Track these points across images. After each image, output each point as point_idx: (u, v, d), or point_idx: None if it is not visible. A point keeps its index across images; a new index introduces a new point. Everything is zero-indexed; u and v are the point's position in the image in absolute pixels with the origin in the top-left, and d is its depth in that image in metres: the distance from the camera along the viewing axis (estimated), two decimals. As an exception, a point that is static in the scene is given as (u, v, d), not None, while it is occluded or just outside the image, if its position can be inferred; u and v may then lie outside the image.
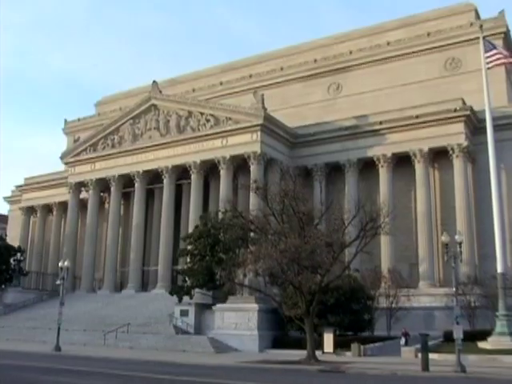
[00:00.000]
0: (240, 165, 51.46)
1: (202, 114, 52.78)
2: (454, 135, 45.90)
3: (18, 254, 59.65)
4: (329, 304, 34.81)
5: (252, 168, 49.03)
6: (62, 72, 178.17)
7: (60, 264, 40.70)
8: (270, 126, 50.12)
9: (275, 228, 30.83)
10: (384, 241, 45.49)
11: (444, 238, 28.18)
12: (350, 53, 61.62)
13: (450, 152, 46.24)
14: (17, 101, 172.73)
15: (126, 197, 61.69)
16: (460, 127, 45.82)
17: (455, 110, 45.78)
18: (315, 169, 52.48)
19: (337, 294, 35.19)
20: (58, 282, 40.12)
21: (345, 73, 61.67)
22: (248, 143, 49.38)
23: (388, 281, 39.09)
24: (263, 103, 49.20)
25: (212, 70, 73.45)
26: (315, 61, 63.54)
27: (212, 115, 52.03)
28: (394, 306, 37.68)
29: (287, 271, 29.26)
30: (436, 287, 43.59)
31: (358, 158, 50.54)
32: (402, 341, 32.89)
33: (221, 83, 69.48)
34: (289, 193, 30.58)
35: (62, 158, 63.21)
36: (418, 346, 26.88)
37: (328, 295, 34.29)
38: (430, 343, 26.91)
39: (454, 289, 26.01)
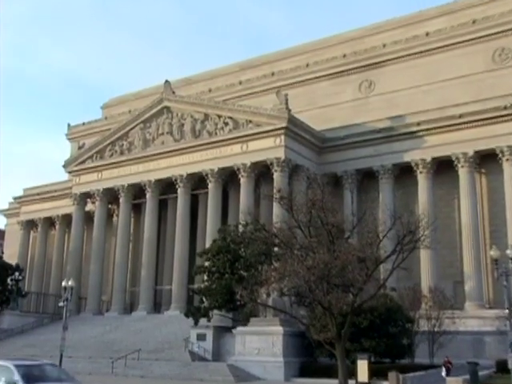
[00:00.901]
0: (262, 172, 52.08)
1: (219, 116, 53.75)
2: (504, 136, 45.59)
3: (16, 274, 58.67)
4: (362, 327, 34.81)
5: (275, 176, 49.59)
6: (64, 71, 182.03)
7: (63, 284, 40.76)
8: (295, 130, 50.69)
9: (302, 242, 31.00)
10: (424, 256, 45.37)
11: (493, 253, 28.01)
12: (384, 46, 61.66)
13: (500, 155, 45.98)
14: (15, 102, 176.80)
15: (137, 209, 62.86)
16: (510, 127, 45.52)
17: (505, 108, 45.50)
18: (345, 176, 52.75)
19: (371, 316, 35.15)
20: (61, 304, 40.05)
21: (378, 68, 61.87)
22: (271, 148, 50.04)
23: (429, 301, 38.84)
24: (287, 104, 49.83)
25: (230, 67, 74.57)
26: (344, 56, 63.87)
27: (231, 118, 52.92)
28: (436, 329, 37.37)
29: (315, 290, 29.36)
30: (485, 308, 43.21)
31: (393, 164, 50.65)
32: (444, 372, 32.42)
33: (240, 82, 70.47)
34: (316, 203, 30.69)
35: (65, 166, 64.74)
36: (466, 376, 26.32)
37: (361, 317, 34.31)
38: (480, 374, 26.27)
39: (507, 310, 25.63)
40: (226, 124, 53.09)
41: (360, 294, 30.07)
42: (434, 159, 48.90)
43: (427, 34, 59.36)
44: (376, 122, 52.37)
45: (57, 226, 71.30)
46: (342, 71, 63.71)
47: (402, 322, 37.03)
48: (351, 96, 62.57)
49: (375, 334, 35.34)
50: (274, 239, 32.72)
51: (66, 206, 67.62)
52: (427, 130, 48.95)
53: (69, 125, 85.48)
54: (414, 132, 49.52)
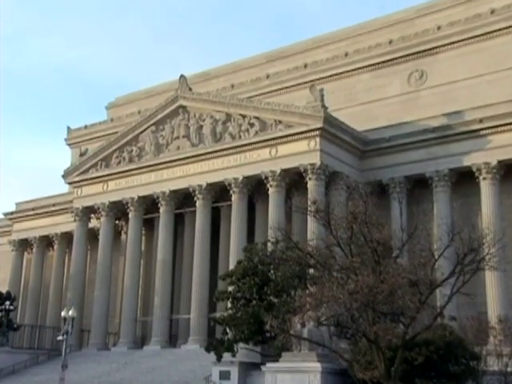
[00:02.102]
0: (294, 181, 52.35)
1: (243, 116, 54.31)
2: None
3: (7, 303, 57.91)
4: (416, 364, 34.26)
5: (309, 185, 49.84)
6: (62, 65, 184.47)
7: (63, 314, 41.02)
8: (332, 131, 50.89)
9: (342, 263, 31.03)
10: (490, 278, 44.84)
11: None
12: (439, 28, 61.14)
13: None
14: (6, 101, 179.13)
15: (149, 225, 63.66)
16: None
17: None
18: (392, 184, 52.64)
19: (427, 351, 34.57)
20: (60, 338, 40.28)
21: (431, 56, 61.58)
22: (304, 153, 50.34)
23: (499, 334, 37.97)
24: (323, 100, 50.05)
25: (256, 59, 75.32)
26: (390, 42, 63.76)
27: (257, 118, 53.43)
28: (510, 369, 36.55)
29: (359, 319, 29.33)
30: None
31: (449, 169, 50.31)
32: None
33: (267, 76, 70.98)
34: (358, 216, 30.69)
35: (64, 176, 65.94)
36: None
37: (415, 352, 33.81)
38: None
39: None
40: (252, 125, 53.61)
41: (413, 324, 29.85)
42: (500, 162, 48.38)
43: (492, 12, 58.21)
44: (429, 120, 52.09)
45: (55, 246, 72.51)
46: (388, 60, 63.66)
47: (466, 360, 36.19)
48: (399, 90, 62.48)
49: (432, 373, 34.69)
50: (308, 259, 32.78)
51: (66, 223, 68.75)
52: (492, 127, 48.47)
53: (68, 128, 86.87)
54: (476, 131, 49.11)
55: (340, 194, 49.67)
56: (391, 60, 63.49)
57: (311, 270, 34.36)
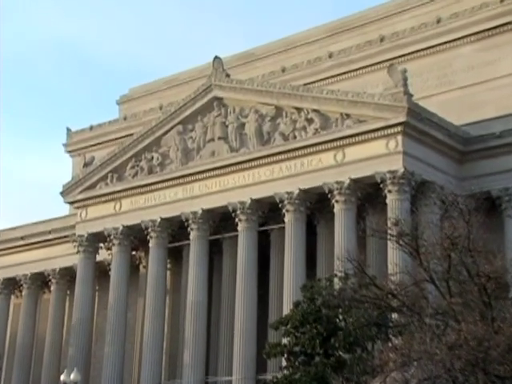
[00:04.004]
0: (368, 195, 52.09)
1: (299, 110, 54.26)
2: None
3: None
4: None
5: (389, 200, 49.46)
6: (59, 44, 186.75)
7: (62, 378, 41.63)
8: (420, 126, 50.40)
9: (437, 305, 30.61)
10: None
11: None
12: None
13: None
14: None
15: (175, 256, 63.87)
16: None
17: None
18: (506, 197, 51.95)
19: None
20: None
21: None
22: (381, 157, 50.04)
23: None
24: (406, 85, 49.76)
25: (314, 33, 75.01)
26: (502, 0, 62.01)
27: (316, 111, 53.26)
28: None
29: (464, 383, 28.79)
30: None
31: None
32: None
33: (330, 55, 70.59)
34: (459, 241, 30.31)
35: (64, 193, 66.52)
36: None
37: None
38: None
39: None
40: (310, 121, 53.49)
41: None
42: None
43: None
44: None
45: (52, 287, 73.08)
46: (499, 26, 61.93)
47: None
48: (513, 67, 61.36)
49: None
50: (390, 300, 32.55)
51: (67, 256, 69.23)
52: None
53: (68, 130, 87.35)
54: None
55: (431, 212, 49.11)
56: (503, 25, 61.71)
57: (395, 315, 33.93)
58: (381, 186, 50.17)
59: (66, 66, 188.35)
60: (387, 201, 49.66)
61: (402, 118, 49.11)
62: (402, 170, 49.09)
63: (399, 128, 49.41)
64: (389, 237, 35.25)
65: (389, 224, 36.06)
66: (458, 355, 27.40)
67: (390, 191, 49.53)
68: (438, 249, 31.15)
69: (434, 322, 30.25)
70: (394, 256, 44.70)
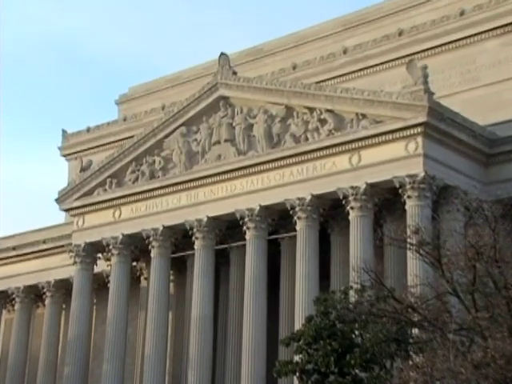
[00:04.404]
0: (386, 201, 52.20)
1: (311, 110, 54.36)
2: None
3: None
4: None
5: (409, 206, 49.45)
6: (55, 40, 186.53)
7: None
8: (442, 126, 50.37)
9: (461, 319, 30.57)
10: None
11: None
12: None
13: None
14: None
15: (179, 267, 64.05)
16: None
17: None
18: (535, 203, 51.63)
19: None
20: None
21: None
22: (400, 160, 50.05)
23: None
24: (427, 83, 49.69)
25: (328, 27, 75.08)
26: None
27: (330, 111, 53.34)
28: None
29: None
30: None
31: None
32: None
33: (344, 51, 70.53)
34: (484, 251, 30.29)
35: (59, 200, 66.81)
36: None
37: None
38: None
39: None
40: (323, 122, 53.57)
41: None
42: None
43: None
44: None
45: (46, 300, 73.19)
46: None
47: None
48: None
49: None
50: (411, 314, 32.48)
51: (62, 267, 69.48)
52: None
53: (64, 132, 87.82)
54: None
55: (454, 219, 48.91)
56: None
57: (415, 331, 33.93)
58: (399, 191, 50.17)
59: (61, 64, 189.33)
60: (406, 207, 49.66)
61: (422, 118, 49.06)
62: (422, 173, 49.04)
63: (419, 129, 49.36)
64: (408, 246, 35.13)
65: (408, 232, 35.94)
66: (484, 374, 27.21)
67: (409, 197, 49.49)
68: (462, 259, 31.07)
69: (458, 338, 30.11)
70: (414, 267, 44.63)
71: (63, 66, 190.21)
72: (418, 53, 63.54)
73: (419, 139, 49.53)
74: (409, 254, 41.40)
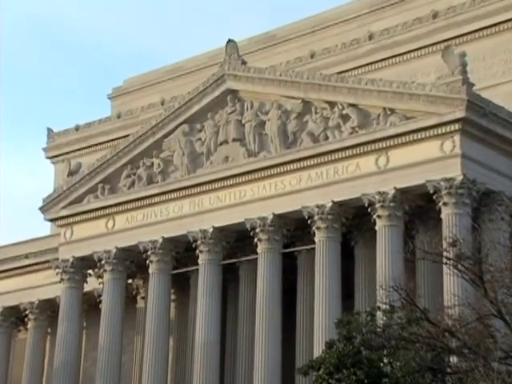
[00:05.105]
0: (418, 209, 52.23)
1: (331, 104, 54.44)
2: None
3: None
4: None
5: (445, 214, 49.42)
6: (39, 24, 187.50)
7: None
8: (483, 123, 50.26)
9: (507, 345, 30.49)
10: None
11: None
12: None
13: None
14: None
15: (181, 284, 64.23)
16: None
17: None
18: None
19: None
20: None
21: None
22: (434, 161, 50.04)
23: None
24: (466, 72, 49.68)
25: (350, 9, 74.94)
26: None
27: (354, 106, 53.45)
28: None
29: None
30: None
31: None
32: None
33: (370, 36, 70.37)
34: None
35: (43, 209, 66.94)
36: None
37: None
38: None
39: None
40: (346, 118, 53.65)
41: None
42: None
43: None
44: None
45: (29, 324, 73.16)
46: None
47: None
48: None
49: None
50: (448, 340, 32.45)
51: (48, 285, 69.78)
52: None
53: (50, 130, 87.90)
54: None
55: (498, 229, 48.74)
56: None
57: (454, 359, 33.86)
58: (434, 197, 50.09)
59: (45, 52, 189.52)
60: (442, 216, 49.60)
61: (460, 113, 48.93)
62: (460, 177, 48.92)
63: (457, 125, 49.26)
64: (444, 260, 35.20)
65: (444, 244, 36.08)
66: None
67: (445, 204, 49.39)
68: (508, 275, 31.07)
69: (503, 367, 30.06)
70: (452, 284, 44.70)
71: (48, 54, 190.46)
72: (455, 38, 63.16)
73: (456, 137, 49.44)
74: (445, 269, 41.60)
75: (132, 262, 63.28)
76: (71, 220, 65.33)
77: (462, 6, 65.77)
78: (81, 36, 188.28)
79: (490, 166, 50.99)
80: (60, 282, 65.56)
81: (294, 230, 56.60)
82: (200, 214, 59.02)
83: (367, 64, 68.49)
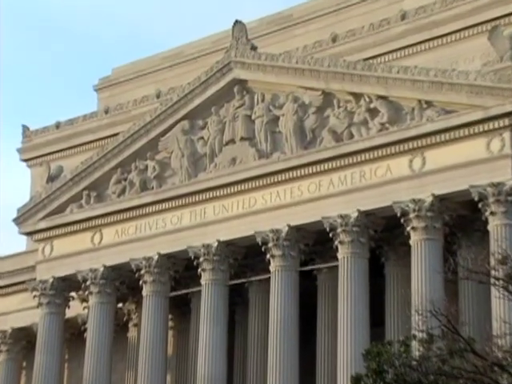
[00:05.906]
0: (459, 219, 52.38)
1: (357, 96, 54.70)
2: None
3: None
4: None
5: (492, 226, 49.51)
6: (22, 9, 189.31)
7: None
8: (536, 118, 50.25)
9: None
10: None
11: None
12: None
13: None
14: None
15: (181, 309, 64.59)
16: None
17: None
18: None
19: None
20: None
21: None
22: (478, 163, 50.22)
23: None
24: (515, 58, 49.81)
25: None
26: None
27: (383, 98, 53.64)
28: None
29: None
30: None
31: None
32: None
33: (402, 16, 69.81)
34: None
35: (18, 221, 67.34)
36: None
37: None
38: None
39: None
40: (374, 113, 53.93)
41: None
42: None
43: None
44: None
45: (1, 356, 73.32)
46: None
47: None
48: None
49: None
50: (498, 375, 32.37)
51: (23, 310, 69.97)
52: None
53: (25, 128, 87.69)
54: None
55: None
56: None
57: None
58: (479, 205, 50.11)
59: (21, 36, 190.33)
60: (489, 228, 49.58)
61: (510, 107, 49.01)
62: (510, 181, 48.92)
63: (506, 120, 49.30)
64: (492, 281, 35.07)
65: (492, 262, 35.93)
66: None
67: (493, 213, 49.37)
68: None
69: None
70: (501, 309, 44.76)
71: (24, 38, 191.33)
72: (504, 16, 62.68)
73: (506, 135, 49.49)
74: (493, 291, 41.49)
75: (122, 282, 63.53)
76: (51, 233, 65.63)
77: (513, -21, 65.71)
78: (61, 17, 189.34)
79: (546, 170, 50.82)
80: (38, 306, 65.79)
81: (313, 244, 56.75)
82: (202, 227, 59.24)
83: (399, 49, 67.98)
